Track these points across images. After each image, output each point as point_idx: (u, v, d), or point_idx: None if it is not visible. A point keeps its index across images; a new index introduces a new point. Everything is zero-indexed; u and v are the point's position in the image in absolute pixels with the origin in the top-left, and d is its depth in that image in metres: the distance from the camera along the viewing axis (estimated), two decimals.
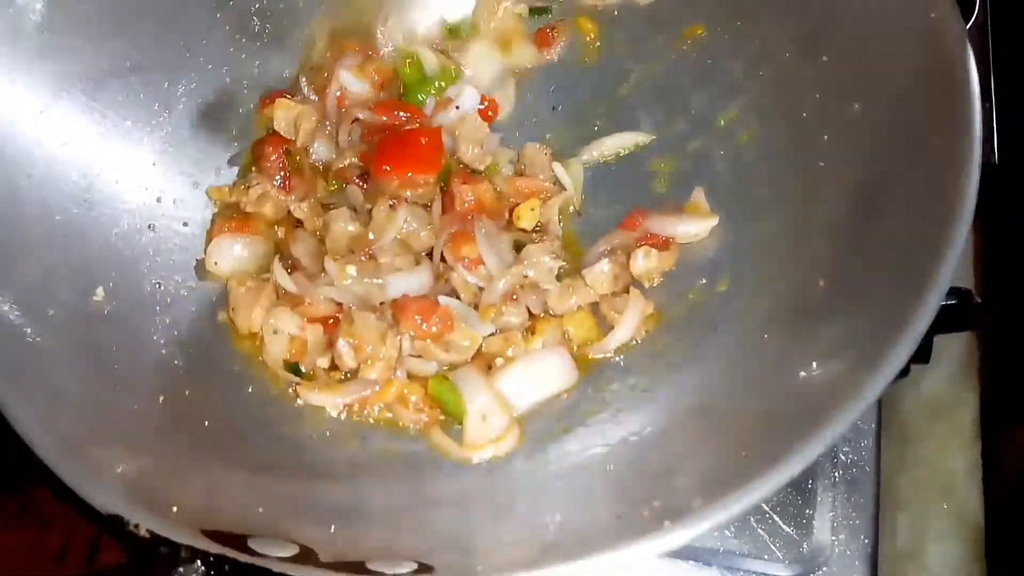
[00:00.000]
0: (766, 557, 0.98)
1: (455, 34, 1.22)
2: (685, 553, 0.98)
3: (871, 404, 0.95)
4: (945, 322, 1.08)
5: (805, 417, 0.72)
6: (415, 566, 0.71)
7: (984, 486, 1.21)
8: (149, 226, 1.05)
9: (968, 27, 1.35)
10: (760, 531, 1.00)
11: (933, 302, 0.74)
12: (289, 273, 1.03)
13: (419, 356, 0.98)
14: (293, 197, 1.09)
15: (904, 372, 1.16)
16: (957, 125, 0.80)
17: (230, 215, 1.09)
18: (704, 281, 1.00)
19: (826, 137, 0.97)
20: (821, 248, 0.91)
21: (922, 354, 1.14)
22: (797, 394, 0.78)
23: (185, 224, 1.09)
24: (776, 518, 1.00)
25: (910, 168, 0.84)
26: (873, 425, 1.06)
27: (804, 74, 1.01)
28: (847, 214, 0.90)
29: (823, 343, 0.82)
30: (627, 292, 1.00)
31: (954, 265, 0.75)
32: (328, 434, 0.95)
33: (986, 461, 1.22)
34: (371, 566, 0.71)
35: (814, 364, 0.79)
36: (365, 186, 1.09)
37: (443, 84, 1.19)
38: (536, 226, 1.08)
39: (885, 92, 0.91)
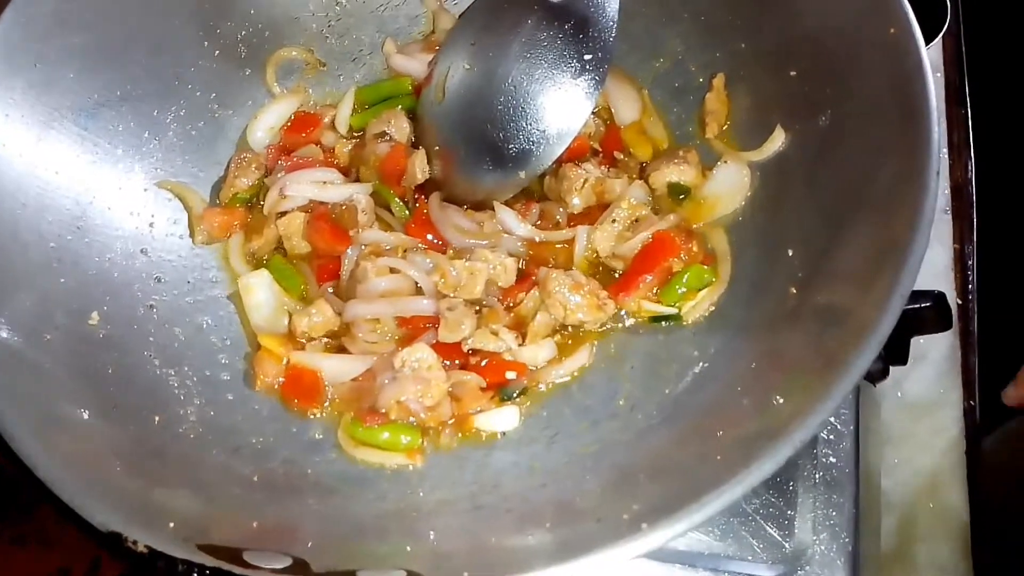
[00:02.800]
0: (750, 558, 1.01)
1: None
2: (671, 556, 1.01)
3: (840, 406, 1.00)
4: (920, 325, 1.12)
5: (775, 421, 0.75)
6: (404, 574, 0.74)
7: (968, 485, 1.23)
8: (142, 250, 1.08)
9: (941, 35, 1.39)
10: (744, 533, 1.02)
11: (896, 305, 0.76)
12: None
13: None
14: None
15: (884, 374, 1.20)
16: (916, 138, 0.83)
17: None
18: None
19: (796, 148, 1.01)
20: (794, 257, 0.95)
21: (898, 356, 1.18)
22: (768, 398, 0.81)
23: (176, 248, 1.12)
24: (759, 520, 1.03)
25: (874, 179, 0.88)
26: (852, 427, 1.09)
27: (773, 88, 1.05)
28: (817, 223, 0.94)
29: (793, 349, 0.84)
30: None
31: (916, 272, 0.78)
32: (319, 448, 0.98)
33: (970, 460, 1.24)
34: (362, 575, 0.74)
35: (784, 368, 0.82)
36: None
37: None
38: None
39: (850, 106, 0.94)
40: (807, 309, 0.87)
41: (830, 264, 0.88)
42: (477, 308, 1.05)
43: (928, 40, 1.32)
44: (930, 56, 1.37)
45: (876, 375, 1.16)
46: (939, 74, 1.43)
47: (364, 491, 0.93)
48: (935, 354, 1.30)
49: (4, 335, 0.89)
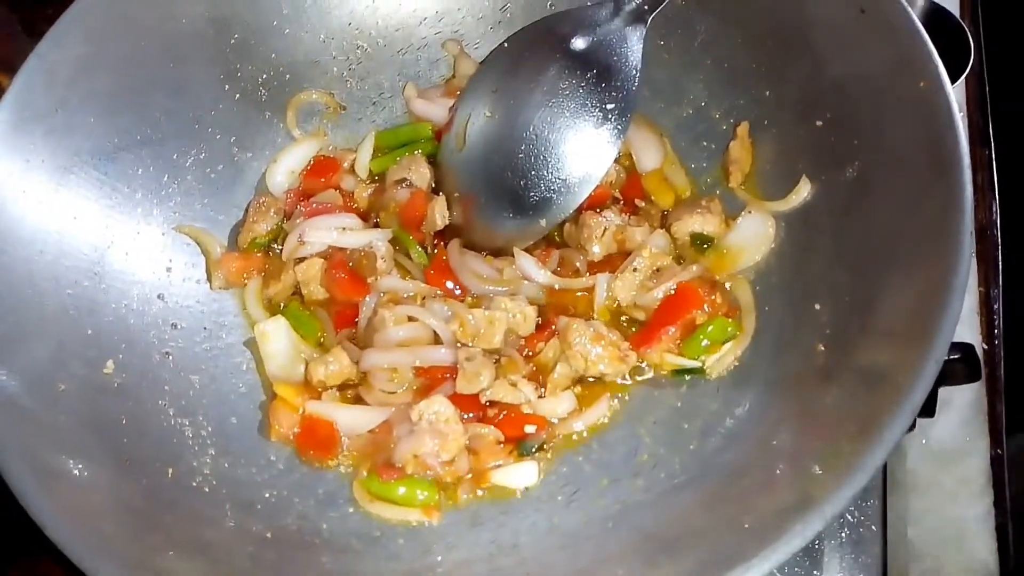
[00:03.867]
0: None
1: None
2: None
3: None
4: (948, 377, 1.09)
5: (809, 491, 0.73)
6: None
7: (997, 534, 1.20)
8: (159, 296, 1.08)
9: (964, 76, 1.38)
10: None
11: (931, 371, 0.74)
12: None
13: None
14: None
15: (911, 426, 1.17)
16: (948, 193, 0.82)
17: None
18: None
19: (822, 200, 0.99)
20: (821, 312, 0.92)
21: (926, 408, 1.15)
22: (802, 465, 0.78)
23: (193, 294, 1.11)
24: None
25: (905, 234, 0.86)
26: (879, 484, 1.06)
27: (798, 137, 1.03)
28: (845, 278, 0.92)
29: (824, 413, 0.82)
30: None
31: (951, 335, 0.76)
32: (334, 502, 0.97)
33: (998, 509, 1.22)
34: None
35: (815, 433, 0.80)
36: None
37: None
38: None
39: (879, 158, 0.92)
40: (837, 369, 0.85)
41: (860, 323, 0.86)
42: (496, 358, 1.03)
43: (951, 81, 1.30)
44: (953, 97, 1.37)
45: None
46: (962, 115, 1.41)
47: (378, 550, 0.91)
48: (960, 401, 1.28)
49: (15, 387, 0.88)
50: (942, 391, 1.24)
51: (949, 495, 1.23)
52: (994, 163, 1.40)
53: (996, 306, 1.33)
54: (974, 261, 1.34)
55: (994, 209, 1.38)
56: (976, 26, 1.48)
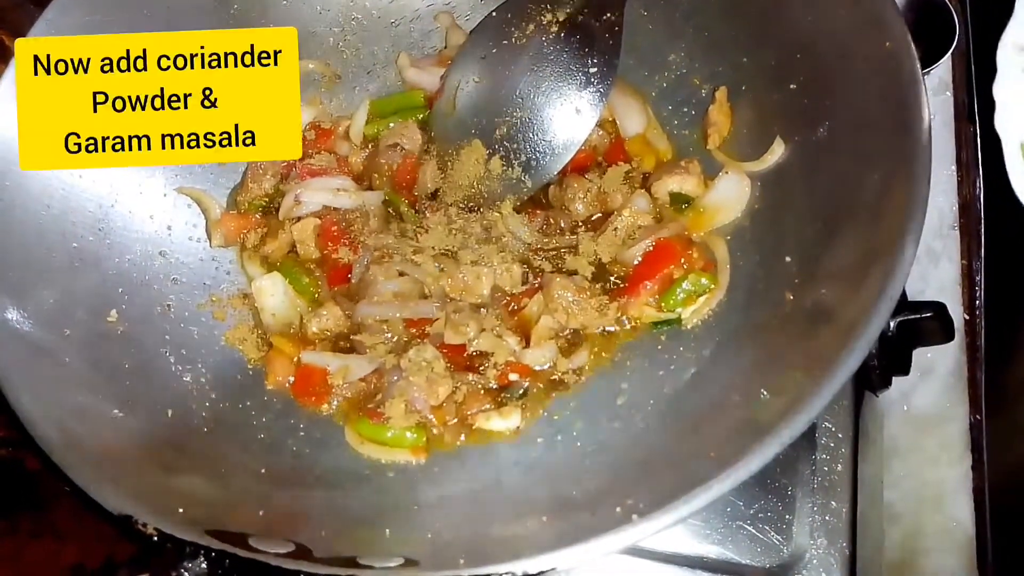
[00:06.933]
0: (748, 561, 1.02)
1: None
2: (670, 558, 1.02)
3: (834, 407, 1.01)
4: (922, 336, 1.13)
5: (764, 417, 0.77)
6: (401, 560, 0.76)
7: (974, 498, 1.23)
8: (160, 253, 1.12)
9: (950, 53, 1.41)
10: (742, 536, 1.04)
11: (882, 310, 0.78)
12: None
13: None
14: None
15: (885, 383, 1.20)
16: (909, 147, 0.86)
17: None
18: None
19: (794, 159, 1.03)
20: (791, 264, 0.97)
21: (900, 366, 1.19)
22: (760, 399, 0.83)
23: (193, 252, 1.16)
24: (758, 523, 1.04)
25: (868, 186, 0.90)
26: (851, 434, 1.10)
27: (773, 100, 1.07)
28: (814, 231, 0.96)
29: (785, 351, 0.86)
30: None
31: (904, 275, 0.80)
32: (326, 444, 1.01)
33: (976, 473, 1.25)
34: (362, 561, 0.76)
35: (776, 369, 0.84)
36: None
37: None
38: None
39: (847, 117, 0.96)
40: (801, 313, 0.89)
41: (825, 270, 0.90)
42: (483, 311, 1.07)
43: (936, 59, 1.34)
44: (939, 75, 1.41)
45: (877, 384, 1.17)
46: (948, 93, 1.45)
47: (368, 485, 0.95)
48: (942, 368, 1.31)
49: (27, 329, 0.93)
50: (924, 358, 1.28)
51: (930, 459, 1.26)
52: (978, 140, 1.43)
53: (978, 278, 1.37)
54: (957, 234, 1.38)
55: (978, 184, 1.41)
56: (962, 4, 1.50)
